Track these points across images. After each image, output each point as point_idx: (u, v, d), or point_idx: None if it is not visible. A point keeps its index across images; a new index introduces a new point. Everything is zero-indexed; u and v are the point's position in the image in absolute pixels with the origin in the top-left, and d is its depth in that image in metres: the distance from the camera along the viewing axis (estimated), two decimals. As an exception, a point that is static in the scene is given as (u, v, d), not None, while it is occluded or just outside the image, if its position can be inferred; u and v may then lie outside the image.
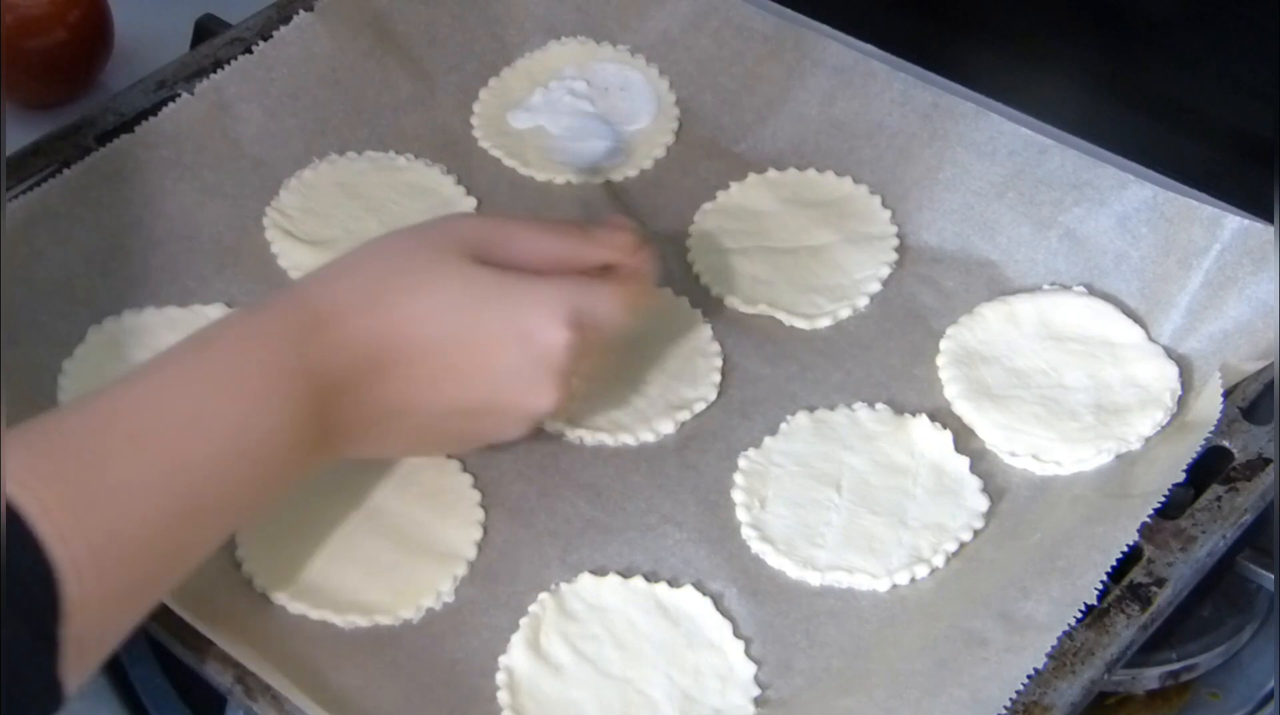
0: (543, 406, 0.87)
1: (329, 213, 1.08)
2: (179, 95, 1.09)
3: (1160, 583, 0.84)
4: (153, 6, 1.26)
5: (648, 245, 0.92)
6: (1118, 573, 0.84)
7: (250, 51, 1.10)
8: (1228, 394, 0.91)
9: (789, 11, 1.16)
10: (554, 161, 1.12)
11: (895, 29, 1.14)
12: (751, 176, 1.10)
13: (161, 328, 1.01)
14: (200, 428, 0.76)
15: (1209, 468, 0.89)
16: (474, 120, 1.15)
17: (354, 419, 0.83)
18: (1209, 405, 0.91)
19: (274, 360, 0.80)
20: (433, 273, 0.85)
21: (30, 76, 1.19)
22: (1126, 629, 0.82)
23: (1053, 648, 0.80)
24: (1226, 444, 0.90)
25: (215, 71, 1.10)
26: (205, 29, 1.18)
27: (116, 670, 0.90)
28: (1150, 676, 0.88)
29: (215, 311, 1.02)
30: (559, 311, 0.85)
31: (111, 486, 0.72)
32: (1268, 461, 0.88)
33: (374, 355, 0.82)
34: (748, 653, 0.86)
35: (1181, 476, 0.87)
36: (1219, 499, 0.87)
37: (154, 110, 1.09)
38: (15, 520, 0.67)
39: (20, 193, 1.03)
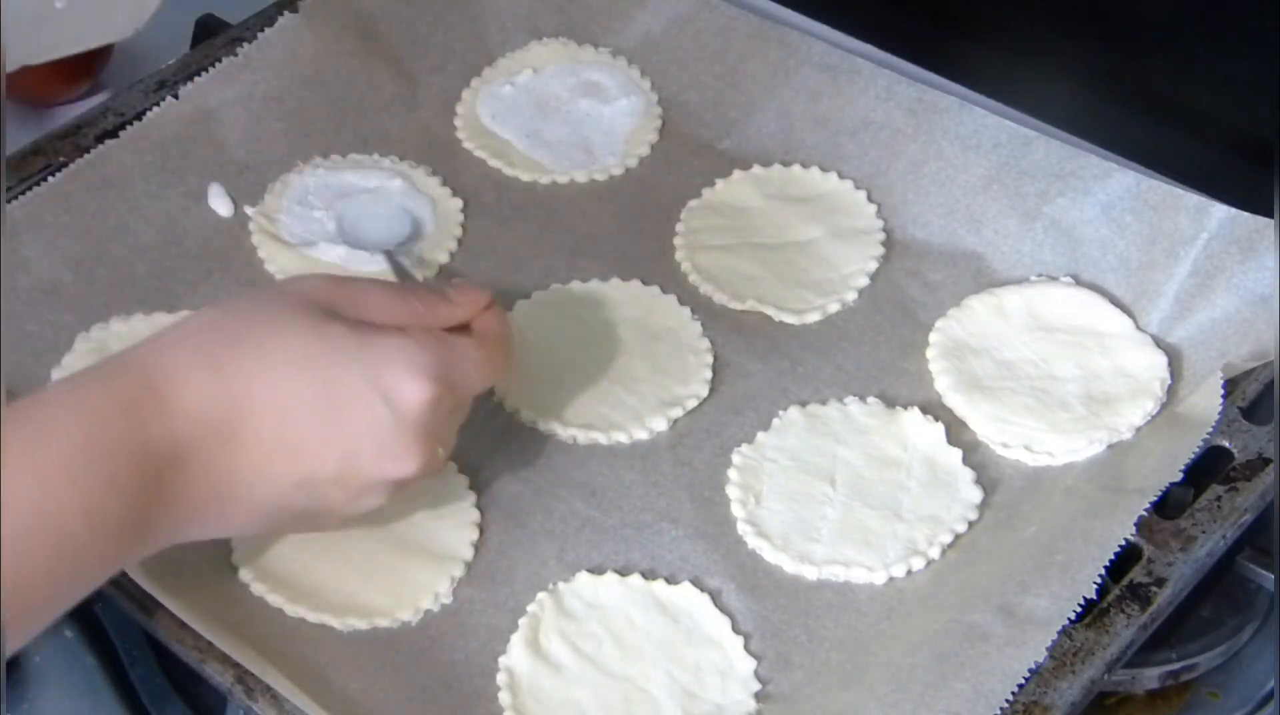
0: (404, 472, 0.80)
1: (315, 217, 1.08)
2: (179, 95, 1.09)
3: (1160, 583, 0.84)
4: (153, 6, 1.26)
5: (497, 305, 0.87)
6: (1118, 572, 0.84)
7: (236, 54, 1.10)
8: (1228, 394, 0.91)
9: (772, 11, 1.16)
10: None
11: (883, 24, 1.14)
12: (737, 173, 1.11)
13: (150, 334, 1.01)
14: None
15: (1209, 468, 0.89)
16: (457, 122, 1.15)
17: (198, 492, 0.76)
18: (1203, 399, 0.91)
19: (89, 435, 0.72)
20: (280, 327, 0.78)
21: (30, 76, 1.18)
22: (1126, 629, 0.82)
23: (1053, 642, 0.80)
24: (1226, 444, 0.90)
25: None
26: (205, 29, 1.18)
27: (116, 670, 0.90)
28: (1150, 676, 0.88)
29: (204, 316, 1.02)
30: (420, 365, 0.79)
31: None
32: (1268, 461, 0.89)
33: (218, 420, 0.75)
34: (747, 648, 0.86)
35: (1178, 474, 0.87)
36: (1219, 499, 0.87)
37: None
38: None
39: (20, 192, 1.02)
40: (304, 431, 0.77)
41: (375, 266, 1.02)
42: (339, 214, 1.06)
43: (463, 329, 0.84)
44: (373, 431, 0.78)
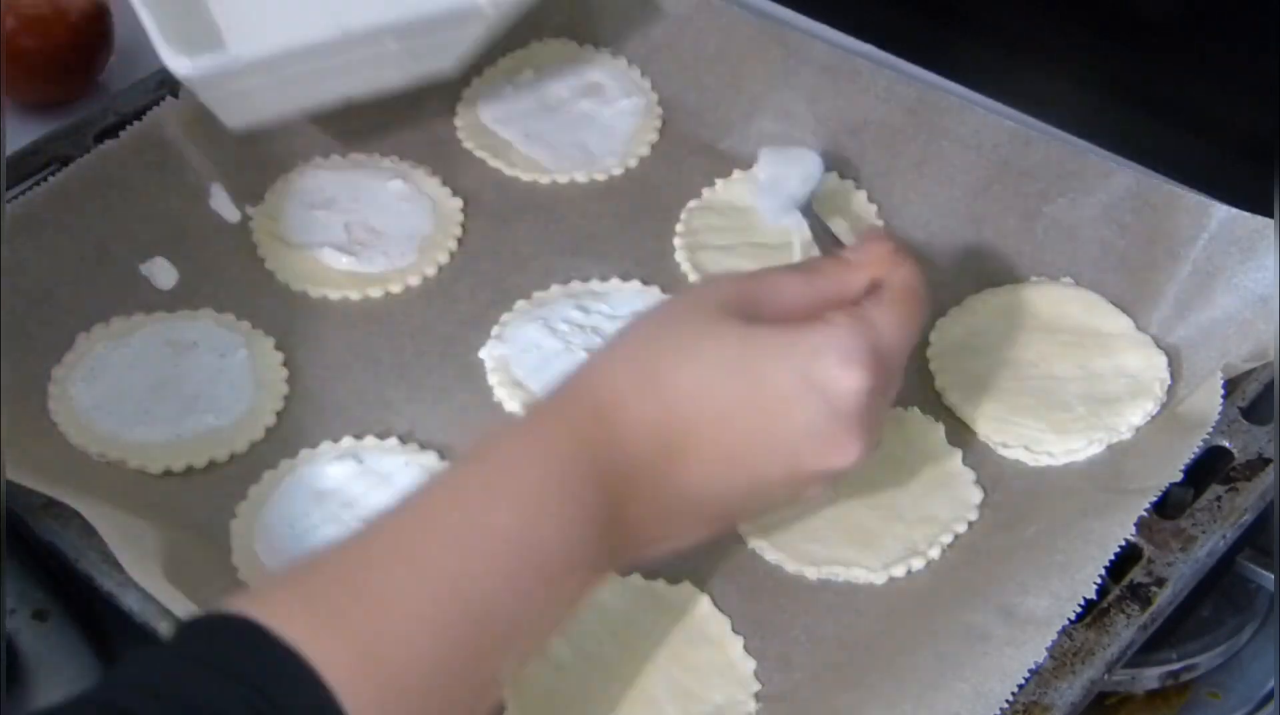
0: (847, 461, 0.78)
1: (315, 216, 1.08)
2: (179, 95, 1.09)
3: (1160, 583, 0.84)
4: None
5: (903, 248, 0.84)
6: (1118, 573, 0.84)
7: (235, 55, 1.10)
8: (1228, 394, 0.91)
9: (772, 11, 1.16)
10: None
11: (883, 24, 1.14)
12: (737, 173, 1.10)
13: (151, 333, 1.01)
14: (480, 543, 0.71)
15: (1209, 468, 0.89)
16: (457, 122, 1.15)
17: (651, 514, 0.76)
18: (1203, 400, 0.91)
19: (555, 465, 0.74)
20: (705, 338, 0.78)
21: (30, 76, 1.19)
22: (1126, 629, 0.82)
23: (1053, 642, 0.80)
24: (1226, 444, 0.90)
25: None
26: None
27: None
28: (1150, 676, 0.88)
29: (203, 317, 1.02)
30: (849, 354, 0.77)
31: (392, 615, 0.67)
32: (1268, 461, 0.89)
33: (662, 439, 0.76)
34: (747, 648, 0.86)
35: (1178, 474, 0.87)
36: (1219, 499, 0.87)
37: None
38: (302, 670, 0.64)
39: (20, 193, 1.03)
40: (746, 438, 0.77)
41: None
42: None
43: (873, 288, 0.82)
44: (813, 428, 0.77)
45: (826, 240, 0.96)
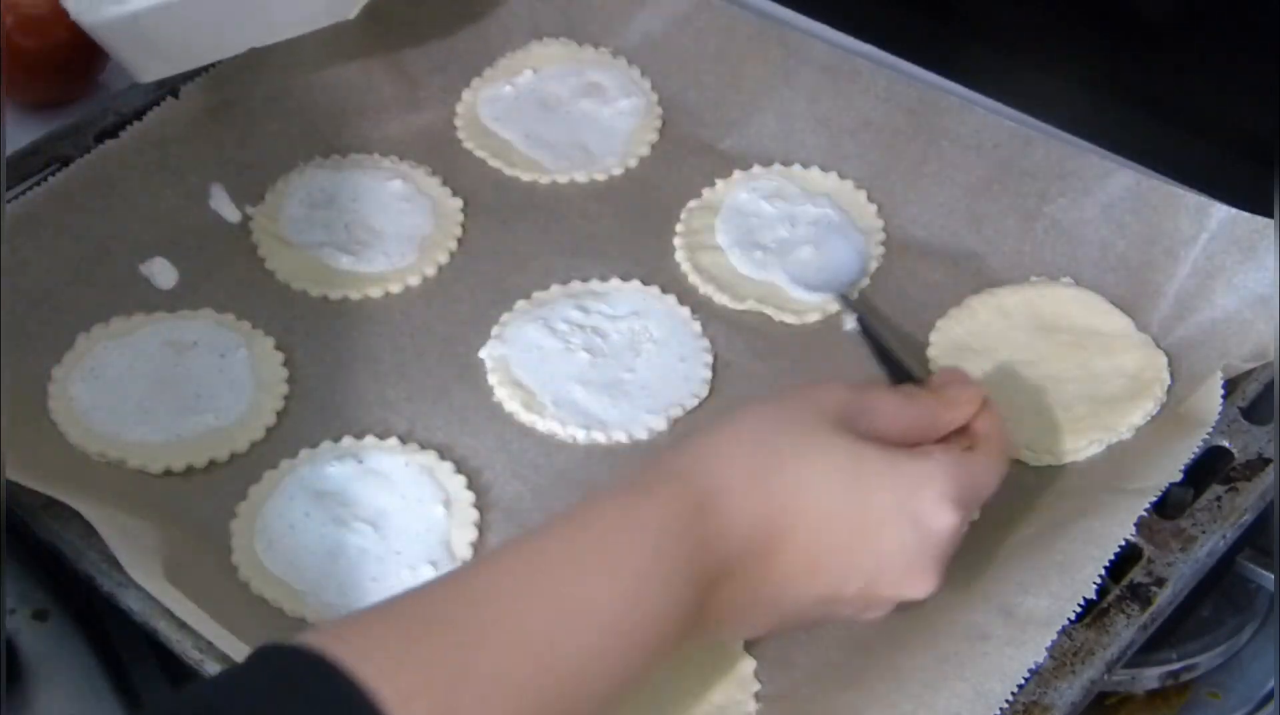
0: (919, 594, 0.80)
1: (315, 216, 1.08)
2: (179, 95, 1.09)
3: (1160, 583, 0.84)
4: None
5: (989, 400, 0.85)
6: (1118, 573, 0.84)
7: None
8: (1228, 394, 0.91)
9: (772, 11, 1.16)
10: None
11: (884, 24, 1.14)
12: (737, 173, 1.11)
13: (151, 333, 1.01)
14: (577, 617, 0.71)
15: (1209, 468, 0.89)
16: (457, 122, 1.15)
17: (734, 603, 0.77)
18: (1203, 400, 0.91)
19: (660, 547, 0.74)
20: (813, 444, 0.79)
21: (30, 76, 1.19)
22: (1126, 629, 0.82)
23: (1052, 642, 0.80)
24: (1226, 444, 0.90)
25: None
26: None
27: (116, 670, 0.90)
28: (1150, 676, 0.88)
29: (203, 316, 1.02)
30: (949, 492, 0.79)
31: (477, 676, 0.67)
32: (1268, 461, 0.89)
33: (762, 535, 0.77)
34: (747, 648, 0.86)
35: (1178, 474, 0.87)
36: (1219, 499, 0.87)
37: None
38: (370, 708, 0.63)
39: (20, 193, 1.03)
40: (834, 551, 0.78)
41: (814, 299, 1.03)
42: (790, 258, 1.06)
43: (961, 429, 0.84)
44: (898, 555, 0.78)
45: (879, 345, 0.95)
